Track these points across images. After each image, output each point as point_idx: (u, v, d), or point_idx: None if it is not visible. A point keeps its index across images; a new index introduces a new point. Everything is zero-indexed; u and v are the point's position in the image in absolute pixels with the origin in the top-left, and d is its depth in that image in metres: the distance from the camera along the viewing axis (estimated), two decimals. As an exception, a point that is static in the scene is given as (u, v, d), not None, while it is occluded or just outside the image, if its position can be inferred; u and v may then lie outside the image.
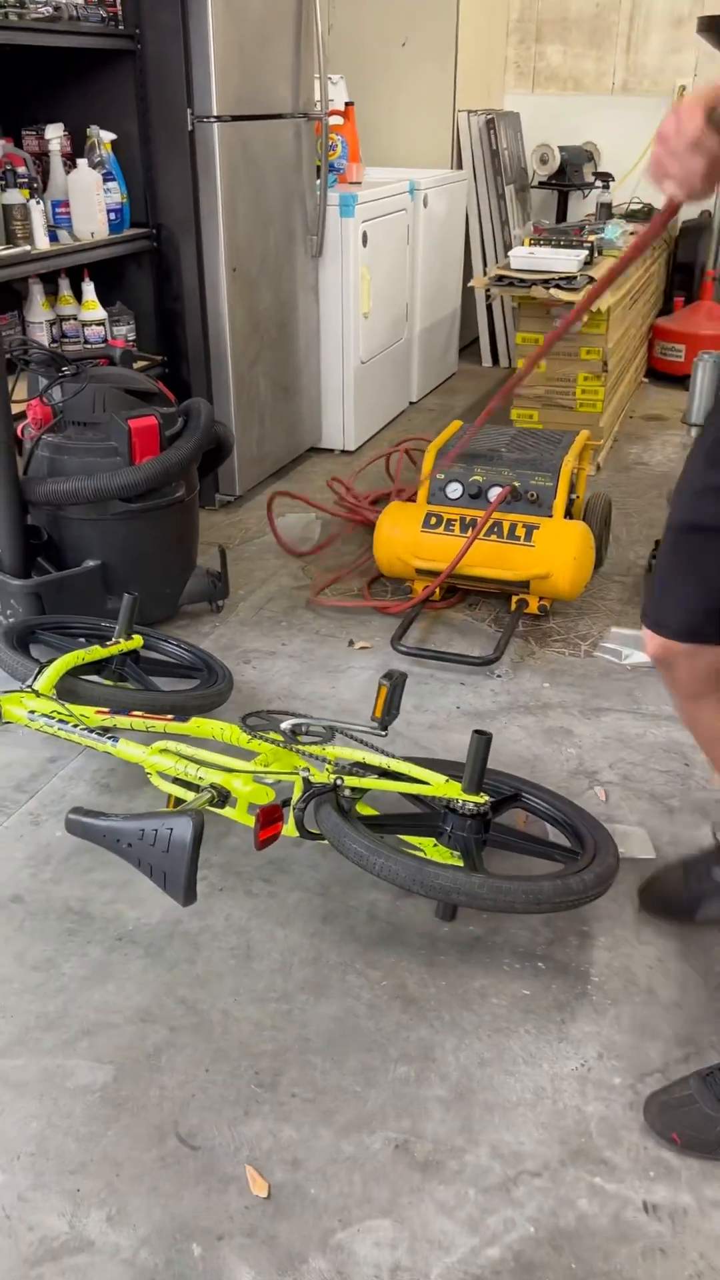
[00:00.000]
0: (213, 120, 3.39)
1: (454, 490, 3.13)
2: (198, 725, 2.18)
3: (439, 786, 1.94)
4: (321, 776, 1.90)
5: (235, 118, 3.47)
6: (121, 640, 2.47)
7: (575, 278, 3.90)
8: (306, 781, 1.90)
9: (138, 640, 2.51)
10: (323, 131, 3.99)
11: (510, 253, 4.10)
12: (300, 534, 3.72)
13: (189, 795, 1.93)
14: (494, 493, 3.06)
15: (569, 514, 3.13)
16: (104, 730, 2.09)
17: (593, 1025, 1.76)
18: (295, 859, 2.12)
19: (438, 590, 3.13)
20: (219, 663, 2.62)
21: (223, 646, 2.96)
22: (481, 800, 1.91)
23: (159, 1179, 1.52)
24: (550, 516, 3.03)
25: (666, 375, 5.57)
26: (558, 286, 3.90)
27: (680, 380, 5.53)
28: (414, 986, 1.84)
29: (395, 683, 2.03)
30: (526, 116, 6.18)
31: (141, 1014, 1.78)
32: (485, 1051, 1.72)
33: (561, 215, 6.25)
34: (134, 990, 1.83)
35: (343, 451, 4.53)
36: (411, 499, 3.63)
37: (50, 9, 3.09)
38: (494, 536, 3.02)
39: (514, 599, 3.10)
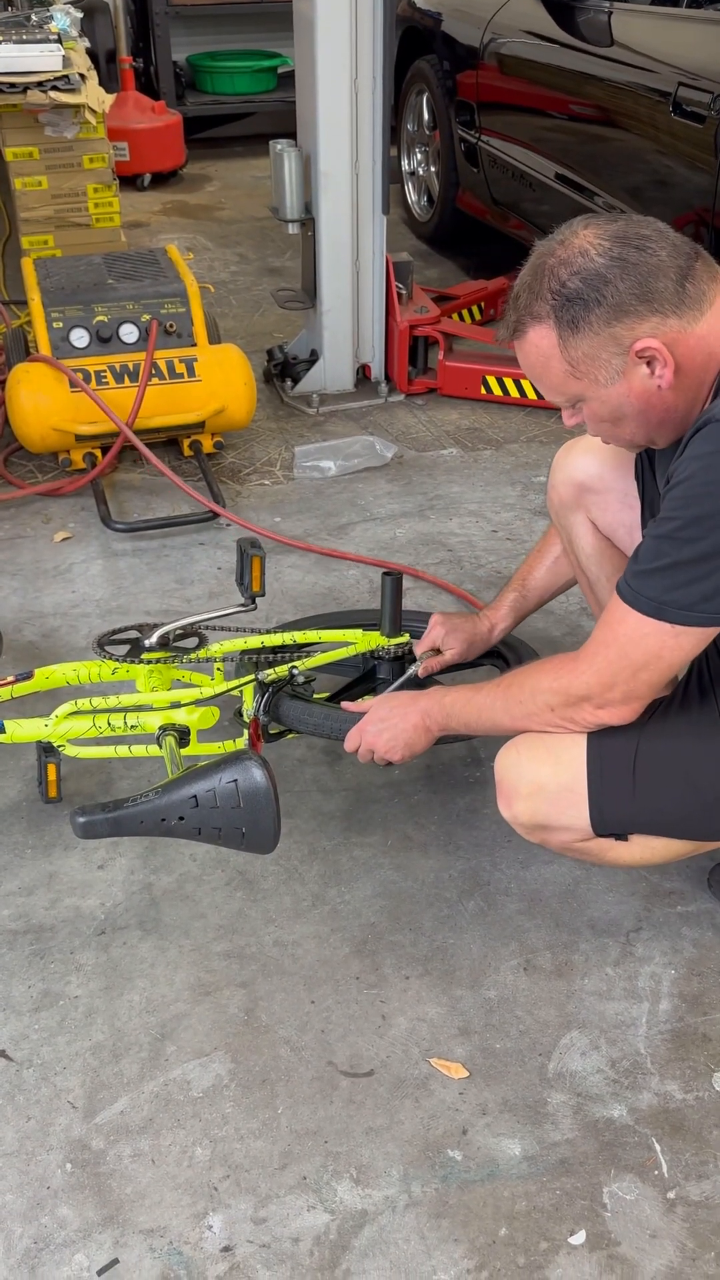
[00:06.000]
0: None
1: (80, 337, 2.79)
2: (45, 676, 1.83)
3: (363, 640, 1.87)
4: (280, 673, 1.73)
5: None
6: None
7: (69, 76, 3.47)
8: (261, 684, 1.72)
9: None
10: None
11: (-22, 53, 3.49)
12: None
13: (139, 751, 1.66)
14: (127, 330, 2.79)
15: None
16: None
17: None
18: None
19: (99, 454, 2.83)
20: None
21: None
22: (405, 639, 1.88)
23: (364, 1119, 1.43)
24: (196, 345, 2.85)
25: (119, 177, 5.24)
26: (55, 89, 3.45)
27: (131, 180, 5.26)
28: (415, 833, 1.84)
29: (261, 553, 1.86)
30: None
31: (198, 989, 1.59)
32: (516, 855, 1.80)
33: None
34: (168, 972, 1.61)
35: None
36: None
37: None
38: (155, 379, 2.77)
39: (185, 443, 2.92)
